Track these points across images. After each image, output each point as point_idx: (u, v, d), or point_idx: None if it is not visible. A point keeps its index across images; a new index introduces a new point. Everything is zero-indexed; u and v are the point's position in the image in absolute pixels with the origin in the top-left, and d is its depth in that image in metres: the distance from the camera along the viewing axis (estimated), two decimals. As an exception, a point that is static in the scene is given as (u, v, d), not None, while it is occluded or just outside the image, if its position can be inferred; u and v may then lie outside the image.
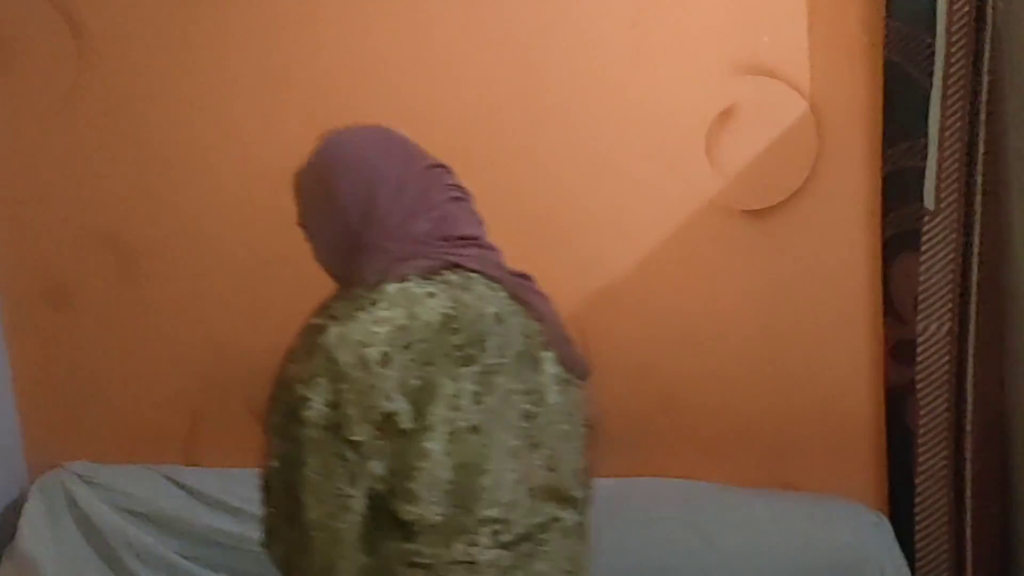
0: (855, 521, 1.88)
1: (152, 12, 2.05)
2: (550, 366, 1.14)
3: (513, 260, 2.06)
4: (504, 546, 1.02)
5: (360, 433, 1.00)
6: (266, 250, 2.09)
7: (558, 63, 1.97)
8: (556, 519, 1.08)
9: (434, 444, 0.99)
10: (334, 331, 1.04)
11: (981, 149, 1.77)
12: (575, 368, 1.20)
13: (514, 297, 1.16)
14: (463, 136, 2.04)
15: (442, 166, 1.25)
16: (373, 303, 1.06)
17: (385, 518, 1.00)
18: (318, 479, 0.99)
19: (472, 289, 1.10)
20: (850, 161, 1.91)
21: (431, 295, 1.08)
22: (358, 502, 0.99)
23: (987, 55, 1.73)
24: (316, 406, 1.00)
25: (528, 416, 1.08)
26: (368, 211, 1.13)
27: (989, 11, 1.71)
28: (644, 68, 1.95)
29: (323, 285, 1.26)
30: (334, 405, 1.00)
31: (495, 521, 1.01)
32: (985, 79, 1.74)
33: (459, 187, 1.26)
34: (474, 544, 1.00)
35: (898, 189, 1.84)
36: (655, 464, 2.05)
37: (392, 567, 1.00)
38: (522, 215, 2.05)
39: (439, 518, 1.00)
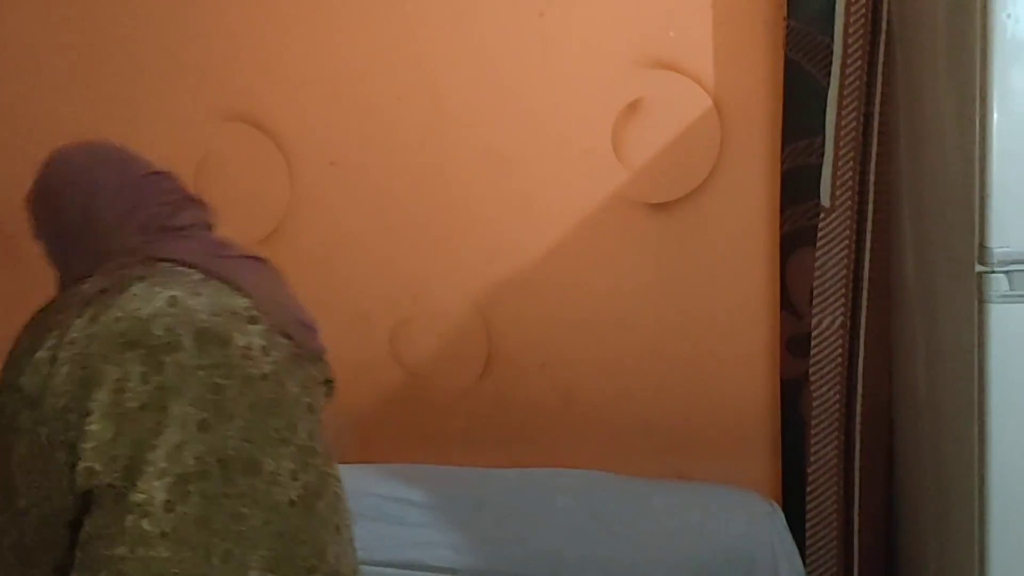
0: (749, 510, 1.91)
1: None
2: (253, 338, 1.15)
3: (417, 247, 2.06)
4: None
5: (47, 425, 1.07)
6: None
7: (464, 52, 1.96)
8: (252, 488, 1.10)
9: (96, 426, 1.05)
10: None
11: (874, 149, 1.83)
12: (304, 345, 1.24)
13: (215, 277, 1.19)
14: (366, 126, 2.01)
15: (161, 173, 1.28)
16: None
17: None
18: (26, 466, 1.07)
19: (150, 277, 1.14)
20: (752, 157, 1.95)
21: (103, 291, 1.13)
22: (57, 490, 1.06)
23: (881, 58, 1.78)
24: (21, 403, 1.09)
25: (216, 389, 1.10)
26: (87, 219, 1.22)
27: (884, 15, 1.77)
28: (552, 59, 1.95)
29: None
30: (32, 404, 1.08)
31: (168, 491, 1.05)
32: (879, 81, 1.80)
33: (180, 191, 1.30)
34: (146, 515, 1.04)
35: (796, 186, 1.89)
36: (555, 455, 2.05)
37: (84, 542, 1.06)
38: (426, 206, 2.04)
39: (111, 491, 1.05)
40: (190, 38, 2.04)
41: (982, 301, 1.38)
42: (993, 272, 1.37)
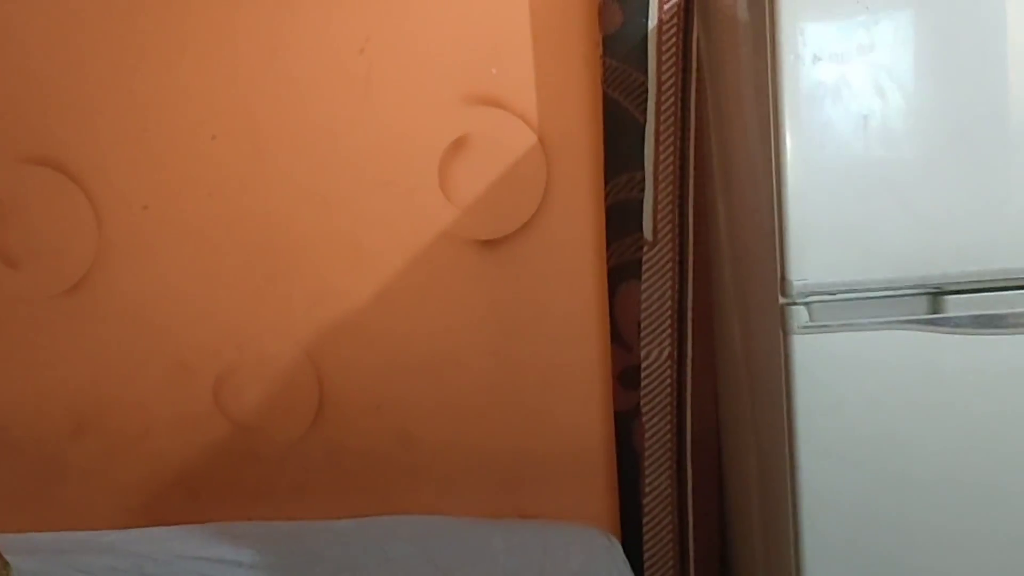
0: (587, 546, 1.90)
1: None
2: None
3: (240, 293, 1.97)
4: None
5: None
6: None
7: (281, 89, 1.90)
8: None
9: None
10: None
11: (691, 183, 1.87)
12: None
13: None
14: (180, 167, 1.93)
15: None
16: None
17: None
18: None
19: None
20: (577, 192, 1.96)
21: None
22: None
23: (693, 95, 1.83)
24: None
25: None
26: None
27: (694, 53, 1.82)
28: (373, 96, 1.91)
29: None
30: None
31: None
32: (692, 116, 1.84)
33: None
34: None
35: (620, 220, 1.91)
36: (393, 501, 2.00)
37: None
38: (248, 250, 1.96)
39: None
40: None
41: (785, 332, 1.42)
42: (794, 304, 1.41)
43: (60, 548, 1.91)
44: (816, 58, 1.37)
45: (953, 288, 1.40)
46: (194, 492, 2.04)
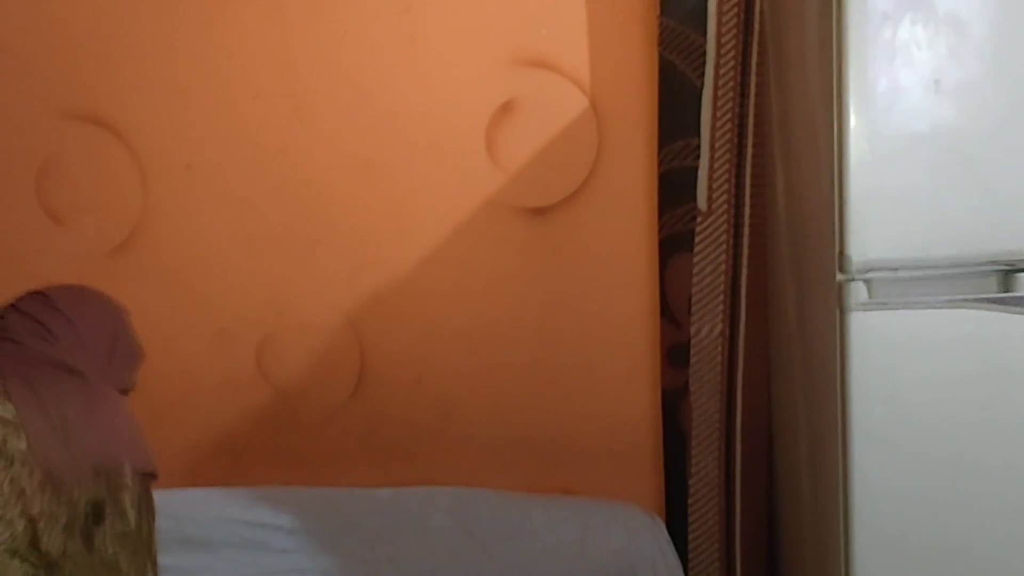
0: (629, 524, 1.85)
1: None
2: None
3: (282, 258, 1.95)
4: None
5: None
6: None
7: (324, 49, 1.85)
8: None
9: None
10: None
11: (749, 152, 1.78)
12: None
13: None
14: (222, 127, 1.90)
15: None
16: None
17: None
18: None
19: None
20: (629, 160, 1.88)
21: None
22: None
23: (755, 59, 1.74)
24: None
25: None
26: None
27: (757, 16, 1.72)
28: (419, 57, 1.86)
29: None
30: None
31: None
32: (752, 82, 1.75)
33: None
34: None
35: (673, 189, 1.83)
36: (431, 473, 1.97)
37: None
38: (290, 213, 1.93)
39: None
40: (24, 30, 1.90)
41: (842, 310, 1.34)
42: (853, 280, 1.33)
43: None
44: (885, 16, 1.27)
45: (1027, 266, 1.30)
46: (235, 456, 2.04)
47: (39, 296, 1.28)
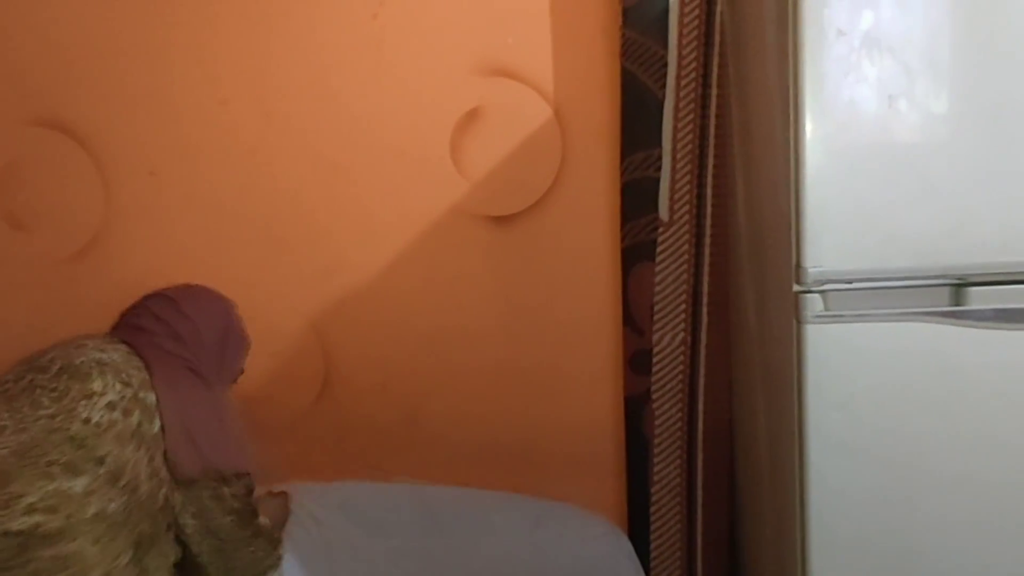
0: (590, 530, 1.86)
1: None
2: None
3: (247, 262, 1.94)
4: None
5: None
6: None
7: (291, 53, 1.85)
8: None
9: None
10: None
11: (711, 162, 1.80)
12: None
13: None
14: (188, 132, 1.89)
15: None
16: None
17: None
18: None
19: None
20: (592, 169, 1.90)
21: None
22: None
23: (715, 71, 1.76)
24: None
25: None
26: None
27: (717, 29, 1.75)
28: (386, 63, 1.86)
29: None
30: None
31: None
32: (714, 93, 1.77)
33: None
34: None
35: (636, 199, 1.85)
36: (397, 477, 1.97)
37: None
38: (255, 218, 1.93)
39: None
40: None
41: (799, 321, 1.36)
42: (809, 292, 1.35)
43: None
44: (840, 33, 1.29)
45: (977, 280, 1.33)
46: (198, 462, 2.02)
47: (168, 300, 1.46)
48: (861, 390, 1.38)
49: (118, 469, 1.26)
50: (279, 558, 1.46)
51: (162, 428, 1.32)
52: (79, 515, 1.22)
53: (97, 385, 1.28)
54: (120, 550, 1.26)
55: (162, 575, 1.32)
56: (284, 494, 1.67)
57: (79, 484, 1.23)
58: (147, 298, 1.48)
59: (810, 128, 1.31)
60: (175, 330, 1.43)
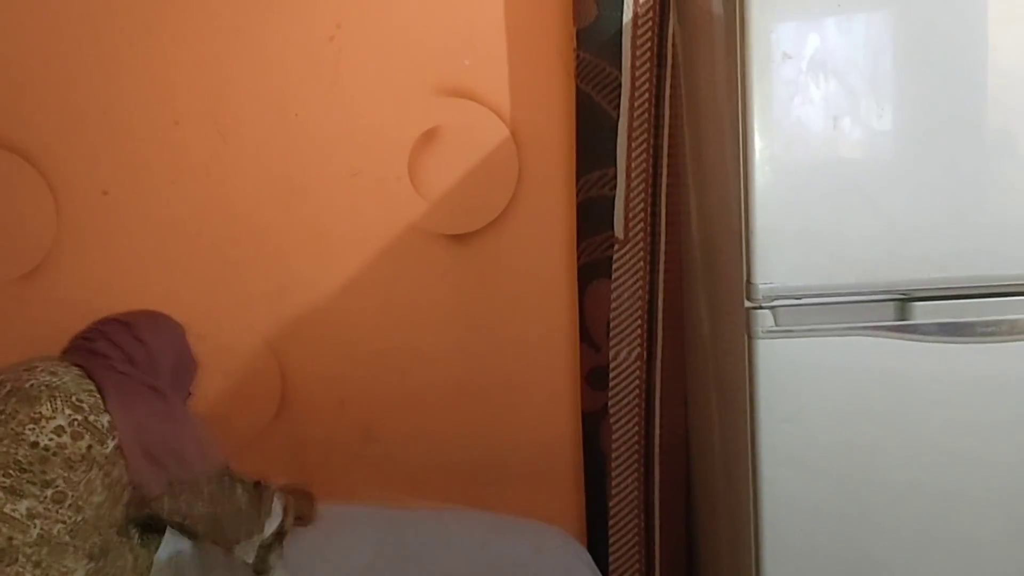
0: (550, 543, 1.87)
1: None
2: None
3: (201, 281, 1.93)
4: None
5: None
6: None
7: (247, 74, 1.85)
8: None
9: None
10: None
11: (664, 181, 1.84)
12: None
13: None
14: (141, 152, 1.88)
15: None
16: None
17: None
18: None
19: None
20: (548, 188, 1.92)
21: None
22: None
23: (668, 91, 1.80)
24: None
25: None
26: None
27: (669, 50, 1.78)
28: (343, 83, 1.87)
29: None
30: None
31: None
32: (667, 113, 1.81)
33: None
34: None
35: (591, 217, 1.87)
36: (355, 496, 1.95)
37: None
38: (210, 237, 1.92)
39: None
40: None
41: (750, 336, 1.39)
42: (760, 308, 1.38)
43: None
44: (786, 56, 1.33)
45: (921, 295, 1.37)
46: (153, 483, 2.00)
47: (122, 325, 1.46)
48: (811, 403, 1.42)
49: (64, 492, 1.26)
50: (262, 525, 1.53)
51: (118, 448, 1.32)
52: (22, 538, 1.23)
53: (46, 409, 1.28)
54: (69, 570, 1.26)
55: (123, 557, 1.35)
56: (310, 495, 1.72)
57: (22, 506, 1.24)
58: (101, 323, 1.49)
59: (759, 147, 1.35)
60: (130, 355, 1.44)
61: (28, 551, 1.23)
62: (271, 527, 1.54)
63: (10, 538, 1.22)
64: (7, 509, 1.23)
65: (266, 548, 1.54)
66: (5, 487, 1.24)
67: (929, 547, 1.45)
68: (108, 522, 1.32)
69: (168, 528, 1.43)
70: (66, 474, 1.27)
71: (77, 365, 1.37)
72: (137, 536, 1.38)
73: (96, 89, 1.86)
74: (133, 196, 1.90)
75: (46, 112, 1.87)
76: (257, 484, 1.56)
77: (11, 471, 1.24)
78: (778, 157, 1.36)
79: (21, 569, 1.22)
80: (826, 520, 1.45)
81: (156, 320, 1.54)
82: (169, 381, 1.49)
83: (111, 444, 1.32)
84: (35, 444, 1.27)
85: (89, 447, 1.29)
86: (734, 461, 1.56)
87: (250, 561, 1.52)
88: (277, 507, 1.56)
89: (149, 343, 1.47)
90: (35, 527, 1.24)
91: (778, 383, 1.40)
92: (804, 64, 1.34)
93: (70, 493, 1.27)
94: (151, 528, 1.41)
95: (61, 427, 1.28)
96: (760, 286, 1.37)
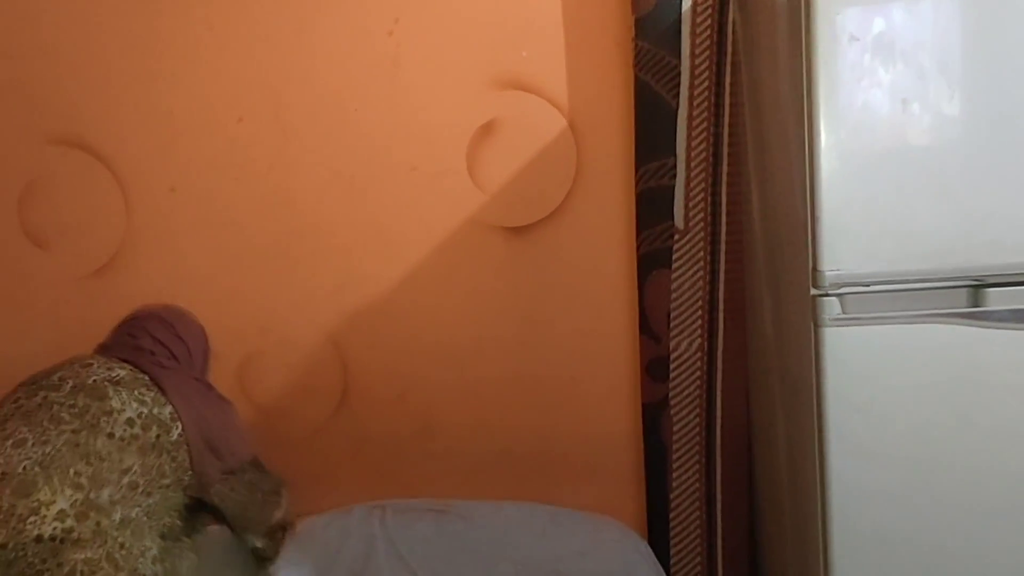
0: (611, 537, 1.87)
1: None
2: None
3: (265, 276, 1.96)
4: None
5: None
6: None
7: (308, 71, 1.88)
8: None
9: None
10: None
11: (725, 170, 1.82)
12: None
13: None
14: (207, 150, 1.92)
15: None
16: None
17: None
18: None
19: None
20: (607, 179, 1.91)
21: None
22: None
23: (728, 79, 1.78)
24: None
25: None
26: None
27: (729, 37, 1.76)
28: (402, 79, 1.89)
29: None
30: None
31: None
32: (727, 102, 1.79)
33: None
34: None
35: (650, 207, 1.86)
36: (415, 488, 1.98)
37: None
38: (273, 233, 1.95)
39: None
40: (5, 55, 1.92)
41: (816, 324, 1.37)
42: (826, 295, 1.36)
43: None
44: (853, 38, 1.31)
45: (995, 281, 1.34)
46: (218, 475, 2.04)
47: (163, 322, 1.56)
48: (879, 392, 1.39)
49: (138, 478, 1.35)
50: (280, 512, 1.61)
51: (181, 435, 1.41)
52: (108, 522, 1.30)
53: (116, 403, 1.37)
54: (146, 547, 1.34)
55: (185, 554, 1.44)
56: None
57: (105, 494, 1.31)
58: (141, 319, 1.58)
59: (824, 133, 1.33)
60: (172, 351, 1.54)
61: (115, 533, 1.31)
62: (278, 515, 1.61)
63: (98, 522, 1.29)
64: (92, 495, 1.30)
65: (271, 535, 1.61)
66: (89, 476, 1.31)
67: (1003, 535, 1.42)
68: (173, 504, 1.42)
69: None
70: (140, 461, 1.36)
71: (125, 360, 1.46)
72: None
73: (162, 88, 1.90)
74: (199, 193, 1.93)
75: (116, 112, 1.92)
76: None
77: (92, 460, 1.32)
78: (844, 142, 1.34)
79: (111, 550, 1.29)
80: (897, 510, 1.42)
81: (189, 317, 1.63)
82: (203, 372, 1.60)
83: (175, 432, 1.41)
84: (111, 435, 1.35)
85: (158, 436, 1.39)
86: (800, 451, 1.54)
87: (260, 546, 1.59)
88: (285, 496, 1.63)
89: (187, 340, 1.58)
90: (116, 512, 1.32)
91: (846, 371, 1.37)
92: (870, 46, 1.32)
93: (143, 479, 1.36)
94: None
95: (131, 419, 1.37)
96: (827, 273, 1.35)
